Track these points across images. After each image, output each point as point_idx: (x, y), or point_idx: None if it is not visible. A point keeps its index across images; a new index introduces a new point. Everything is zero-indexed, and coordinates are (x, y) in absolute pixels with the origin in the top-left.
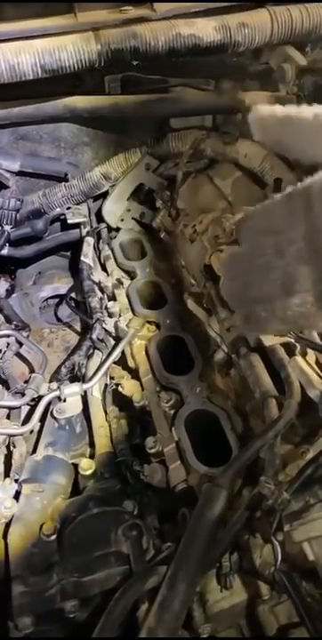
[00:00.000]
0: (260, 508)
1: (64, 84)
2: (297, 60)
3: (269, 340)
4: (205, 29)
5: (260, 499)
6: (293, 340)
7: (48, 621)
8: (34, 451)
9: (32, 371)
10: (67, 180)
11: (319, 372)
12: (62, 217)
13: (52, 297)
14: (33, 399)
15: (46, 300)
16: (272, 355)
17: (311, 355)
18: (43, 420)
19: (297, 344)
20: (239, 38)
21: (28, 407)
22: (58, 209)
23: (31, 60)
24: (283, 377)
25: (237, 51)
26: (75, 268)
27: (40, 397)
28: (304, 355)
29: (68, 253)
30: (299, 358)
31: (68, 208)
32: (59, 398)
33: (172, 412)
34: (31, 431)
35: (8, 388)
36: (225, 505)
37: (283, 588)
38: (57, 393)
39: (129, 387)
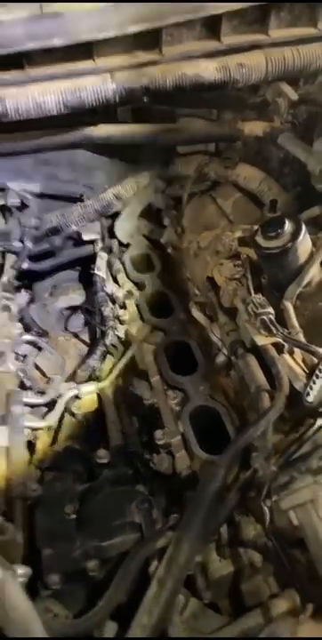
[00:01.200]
0: (253, 481)
1: (81, 115)
2: (289, 95)
3: (261, 341)
4: (208, 69)
5: (253, 473)
6: (281, 340)
7: (73, 579)
8: (55, 442)
9: (52, 373)
10: (82, 201)
11: (304, 367)
12: (78, 234)
13: (68, 307)
14: (53, 398)
15: (63, 310)
16: (265, 354)
17: (297, 353)
18: (62, 415)
19: (285, 343)
20: (238, 77)
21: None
22: (74, 226)
23: (55, 98)
24: (274, 373)
25: (236, 87)
26: (88, 281)
27: (59, 396)
28: (291, 353)
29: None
30: (287, 356)
31: (83, 226)
32: (76, 396)
33: (178, 408)
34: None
35: (31, 388)
36: (223, 482)
37: (272, 550)
38: (75, 391)
39: (140, 387)
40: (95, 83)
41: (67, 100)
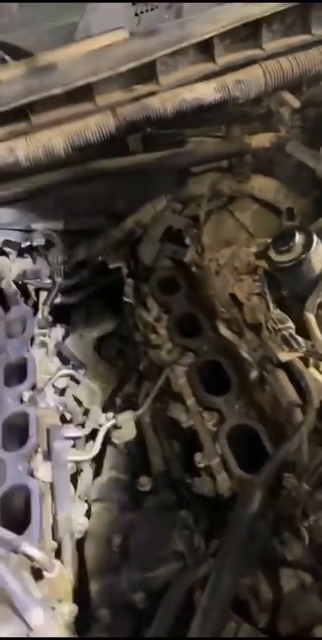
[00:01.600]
0: (288, 501)
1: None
2: (291, 103)
3: (284, 357)
4: (206, 91)
5: (286, 494)
6: (304, 354)
7: (122, 612)
8: (98, 474)
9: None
10: (104, 231)
11: None
12: (104, 263)
13: (102, 336)
14: (93, 429)
15: (98, 339)
16: (293, 368)
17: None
18: (104, 446)
19: (310, 357)
20: (237, 93)
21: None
22: (99, 257)
23: (62, 142)
24: (303, 387)
25: (236, 104)
26: (119, 308)
27: (99, 426)
28: (317, 366)
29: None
30: (312, 368)
31: (108, 255)
32: (115, 426)
33: (215, 428)
34: (94, 457)
35: (71, 421)
36: (260, 501)
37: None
38: (113, 421)
39: (176, 410)
40: (98, 121)
41: (74, 142)
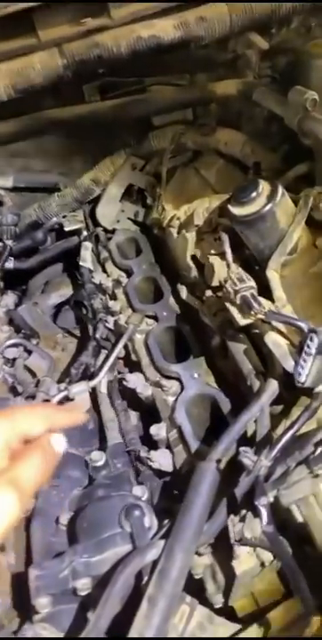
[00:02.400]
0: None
1: (44, 98)
2: (259, 44)
3: (243, 320)
4: (165, 29)
5: (242, 469)
6: (264, 317)
7: (64, 600)
8: None
9: (42, 375)
10: (59, 190)
11: (294, 341)
12: (60, 225)
13: (60, 303)
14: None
15: (56, 306)
16: (253, 332)
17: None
18: None
19: (270, 320)
20: (200, 32)
21: None
22: (54, 218)
23: (2, 82)
24: (264, 352)
25: (199, 44)
26: (77, 274)
27: (50, 398)
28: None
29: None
30: (273, 332)
31: (64, 216)
32: (67, 398)
33: (173, 398)
34: None
35: (21, 393)
36: (216, 477)
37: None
38: (65, 393)
39: (133, 379)
40: (43, 59)
41: (15, 82)
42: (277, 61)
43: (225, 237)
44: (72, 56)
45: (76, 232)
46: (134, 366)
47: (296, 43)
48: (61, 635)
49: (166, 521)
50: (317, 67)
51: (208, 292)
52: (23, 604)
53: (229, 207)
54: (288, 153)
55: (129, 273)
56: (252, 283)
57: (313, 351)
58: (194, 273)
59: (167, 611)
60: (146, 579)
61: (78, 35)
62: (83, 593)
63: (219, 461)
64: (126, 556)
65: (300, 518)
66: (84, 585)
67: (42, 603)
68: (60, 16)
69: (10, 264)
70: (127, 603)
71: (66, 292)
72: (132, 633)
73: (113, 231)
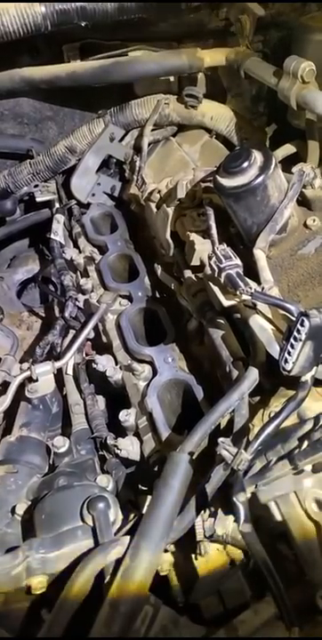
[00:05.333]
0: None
1: (21, 55)
2: (255, 10)
3: (227, 301)
4: None
5: (220, 462)
6: (250, 297)
7: (16, 599)
8: (8, 432)
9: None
10: (32, 157)
11: (279, 326)
12: (31, 195)
13: (28, 279)
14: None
15: (23, 282)
16: (235, 315)
17: (274, 311)
18: (17, 401)
19: (255, 300)
20: None
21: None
22: (25, 187)
23: None
24: (247, 337)
25: (191, 5)
26: (47, 248)
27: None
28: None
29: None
30: (258, 316)
31: (36, 186)
32: (30, 379)
33: (145, 383)
34: (5, 413)
35: None
36: (188, 470)
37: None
38: (28, 373)
39: (103, 362)
40: (19, 5)
41: None
42: (270, 35)
43: (210, 211)
44: (52, 4)
45: (48, 204)
46: (104, 349)
47: (291, 16)
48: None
49: (132, 515)
50: (313, 41)
51: (187, 272)
52: None
53: (218, 177)
54: (277, 131)
55: (103, 250)
56: (238, 261)
57: (303, 337)
58: (173, 251)
59: (130, 616)
60: (108, 579)
61: None
62: (37, 592)
63: (192, 454)
64: (87, 552)
65: (278, 516)
66: (39, 583)
67: None
68: None
69: None
70: (86, 605)
71: (33, 267)
72: None
73: (87, 205)
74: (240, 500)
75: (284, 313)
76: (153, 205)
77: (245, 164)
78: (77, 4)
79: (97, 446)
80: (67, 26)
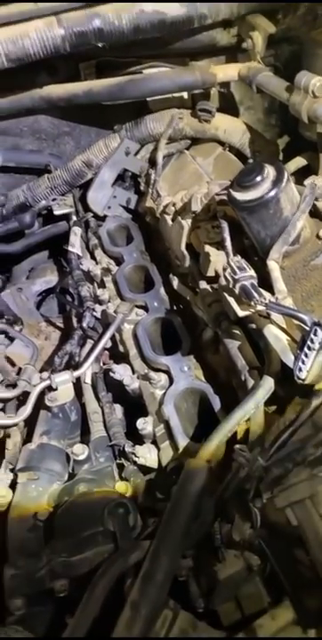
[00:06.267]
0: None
1: (39, 74)
2: (266, 27)
3: (242, 311)
4: (169, 4)
5: (238, 467)
6: (264, 308)
7: (39, 602)
8: (29, 440)
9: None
10: (49, 172)
11: (293, 336)
12: (49, 209)
13: (46, 290)
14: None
15: (41, 293)
16: (250, 325)
17: (288, 321)
18: (37, 409)
19: (269, 311)
20: (205, 10)
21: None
22: (43, 201)
23: None
24: (261, 347)
25: (204, 24)
26: (66, 260)
27: (32, 388)
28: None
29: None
30: (273, 326)
31: (54, 199)
32: (50, 388)
33: (162, 392)
34: (26, 421)
35: (2, 382)
36: (206, 476)
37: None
38: (48, 382)
39: (120, 371)
40: (39, 28)
41: (8, 50)
42: (281, 50)
43: (224, 224)
44: (71, 26)
45: (66, 217)
46: (121, 358)
47: (301, 30)
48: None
49: (152, 520)
50: None
51: (203, 283)
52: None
53: (232, 192)
54: (289, 144)
55: (119, 261)
56: (252, 272)
57: (317, 346)
58: (188, 262)
59: (151, 618)
60: (129, 582)
61: (79, 5)
62: (60, 595)
63: (209, 461)
64: (108, 557)
65: (294, 521)
66: (61, 586)
67: (16, 604)
68: None
69: None
70: (108, 607)
71: (51, 278)
72: None
73: (103, 217)
74: (257, 505)
75: (298, 323)
76: (168, 218)
77: (259, 179)
78: (95, 26)
79: (115, 454)
80: (84, 47)
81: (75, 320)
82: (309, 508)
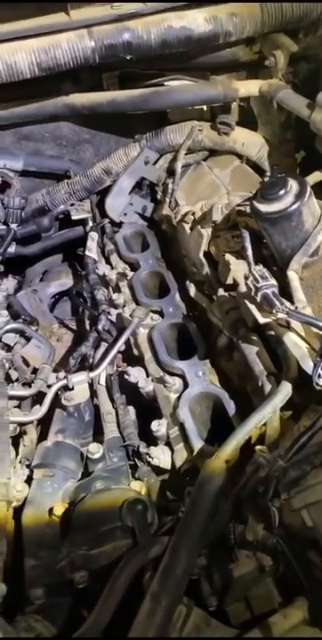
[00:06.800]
0: (259, 477)
1: (63, 82)
2: (288, 46)
3: (263, 318)
4: (196, 21)
5: (256, 469)
6: (285, 316)
7: (59, 592)
8: (44, 438)
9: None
10: (69, 177)
11: (312, 344)
12: (67, 213)
13: (60, 293)
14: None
15: (55, 295)
16: (269, 332)
17: (306, 329)
18: (52, 408)
19: (290, 319)
20: (230, 28)
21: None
22: (62, 206)
23: (27, 58)
24: (279, 353)
25: (228, 40)
26: (80, 264)
27: (48, 387)
28: (299, 330)
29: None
30: (292, 333)
31: (72, 204)
32: (66, 387)
33: (176, 395)
34: (41, 419)
35: (18, 380)
36: (224, 477)
37: (281, 554)
38: (64, 382)
39: (135, 374)
40: (71, 40)
41: (40, 59)
42: (300, 67)
43: (246, 234)
44: (101, 39)
45: (82, 222)
46: (135, 361)
47: (320, 49)
48: (53, 629)
49: (169, 518)
50: None
51: (220, 290)
52: (15, 594)
53: (255, 203)
54: (305, 158)
55: (134, 267)
56: (273, 281)
57: None
58: (206, 270)
59: (170, 609)
60: (148, 575)
61: (110, 18)
62: (79, 586)
63: (227, 462)
64: (128, 550)
65: (309, 522)
66: (81, 578)
67: (36, 594)
68: None
69: (12, 249)
70: (127, 599)
71: (65, 281)
72: (135, 631)
73: (120, 224)
74: (275, 505)
75: (317, 331)
76: (186, 226)
77: (282, 192)
78: (124, 39)
79: (129, 454)
80: (113, 59)
81: (87, 323)
82: None
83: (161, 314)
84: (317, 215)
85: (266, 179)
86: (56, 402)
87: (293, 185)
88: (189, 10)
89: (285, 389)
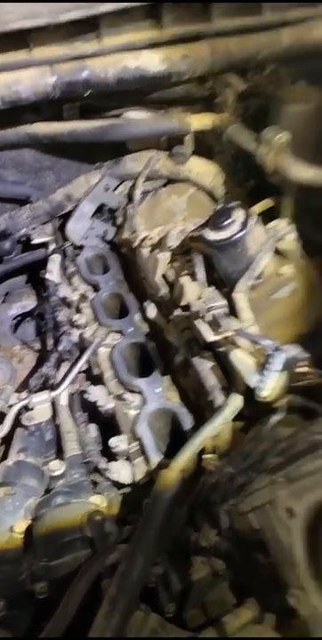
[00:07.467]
0: (209, 485)
1: (25, 113)
2: (236, 86)
3: (211, 337)
4: (151, 61)
5: (207, 476)
6: (233, 334)
7: (20, 604)
8: (6, 457)
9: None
10: (31, 203)
11: (257, 360)
12: (28, 237)
13: (22, 314)
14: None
15: (17, 317)
16: (218, 349)
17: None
18: (13, 428)
19: (241, 337)
20: (182, 68)
21: None
22: (23, 229)
23: None
24: (228, 369)
25: (181, 80)
26: (41, 286)
27: (9, 407)
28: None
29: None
30: (239, 350)
31: (34, 228)
32: (27, 407)
33: (136, 412)
34: (3, 439)
35: None
36: (178, 486)
37: (232, 558)
38: (26, 402)
39: (95, 392)
40: (33, 76)
41: (2, 95)
42: (250, 103)
43: (198, 259)
44: (61, 76)
45: (44, 245)
46: (96, 380)
47: (268, 88)
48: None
49: (126, 527)
50: (287, 111)
51: (176, 311)
52: None
53: (204, 231)
54: (254, 188)
55: (96, 288)
56: (224, 302)
57: (276, 367)
58: (163, 292)
59: (127, 612)
60: (106, 580)
61: (69, 57)
62: (40, 597)
63: (181, 472)
64: (87, 559)
65: (256, 525)
66: (41, 588)
67: None
68: (54, 35)
69: None
70: (85, 605)
71: (27, 303)
72: (93, 632)
73: (81, 247)
74: (224, 509)
75: (261, 348)
76: (144, 251)
77: (228, 221)
78: (83, 75)
79: (90, 470)
80: (72, 94)
81: (50, 343)
82: (269, 513)
83: (121, 333)
84: (262, 242)
85: (219, 206)
86: (17, 422)
87: (239, 214)
88: (144, 51)
89: (235, 402)
